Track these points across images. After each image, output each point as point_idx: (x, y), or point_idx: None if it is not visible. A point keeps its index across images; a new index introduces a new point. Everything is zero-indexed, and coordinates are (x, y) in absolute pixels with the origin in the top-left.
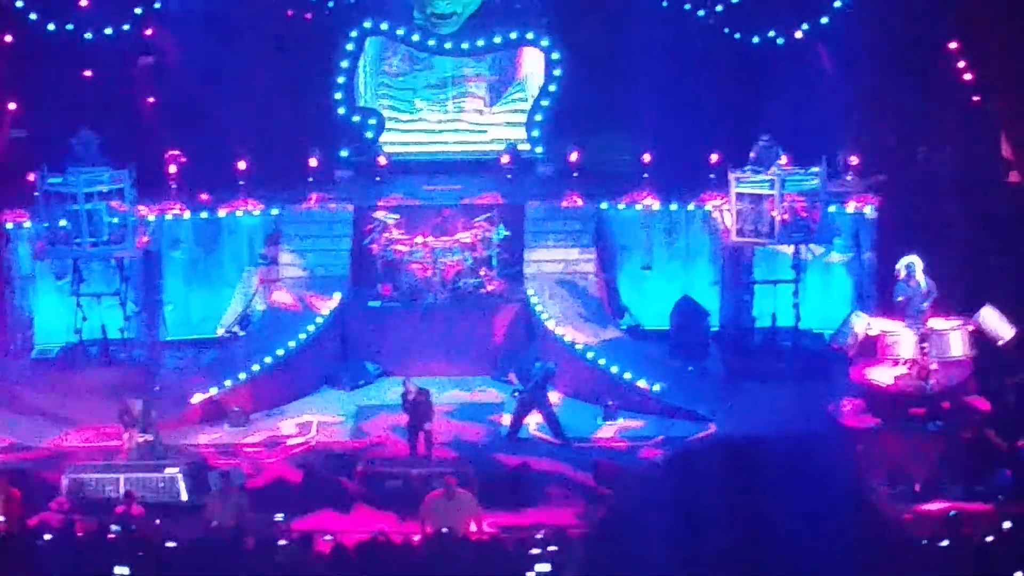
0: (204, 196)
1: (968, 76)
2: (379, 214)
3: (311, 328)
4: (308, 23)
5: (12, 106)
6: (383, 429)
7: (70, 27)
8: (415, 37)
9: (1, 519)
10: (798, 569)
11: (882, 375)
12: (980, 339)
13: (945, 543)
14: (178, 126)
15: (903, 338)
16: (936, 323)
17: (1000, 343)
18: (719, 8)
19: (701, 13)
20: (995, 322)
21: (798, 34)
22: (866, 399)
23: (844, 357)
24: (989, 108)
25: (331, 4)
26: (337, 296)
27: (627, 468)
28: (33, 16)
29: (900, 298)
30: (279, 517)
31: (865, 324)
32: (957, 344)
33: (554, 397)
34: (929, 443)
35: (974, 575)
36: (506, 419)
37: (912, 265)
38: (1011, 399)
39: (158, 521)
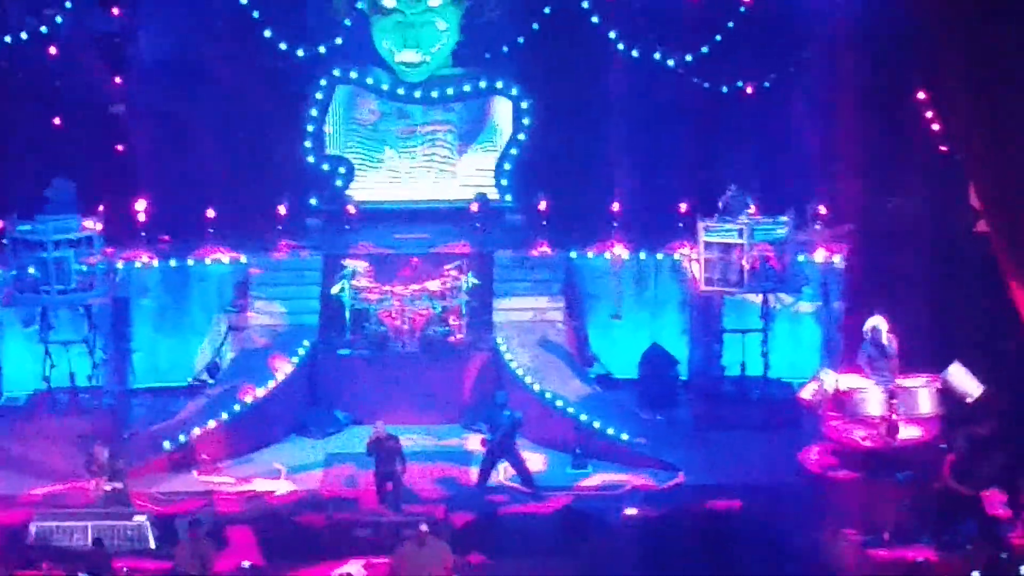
0: (168, 239)
1: (936, 126)
2: (348, 262)
3: (280, 376)
4: (279, 71)
5: None
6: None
7: (40, 75)
8: (384, 86)
9: None
10: None
11: (851, 432)
12: (948, 396)
13: None
14: (148, 174)
15: (872, 395)
16: (904, 380)
17: (968, 400)
18: (688, 58)
19: (671, 63)
20: (963, 379)
21: (766, 83)
22: (836, 454)
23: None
24: (957, 158)
25: (301, 52)
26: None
27: (596, 517)
28: (3, 63)
29: (865, 358)
30: (246, 564)
31: (834, 381)
32: (926, 401)
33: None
34: (898, 492)
35: None
36: (475, 469)
37: (878, 327)
38: (964, 448)
39: (126, 569)
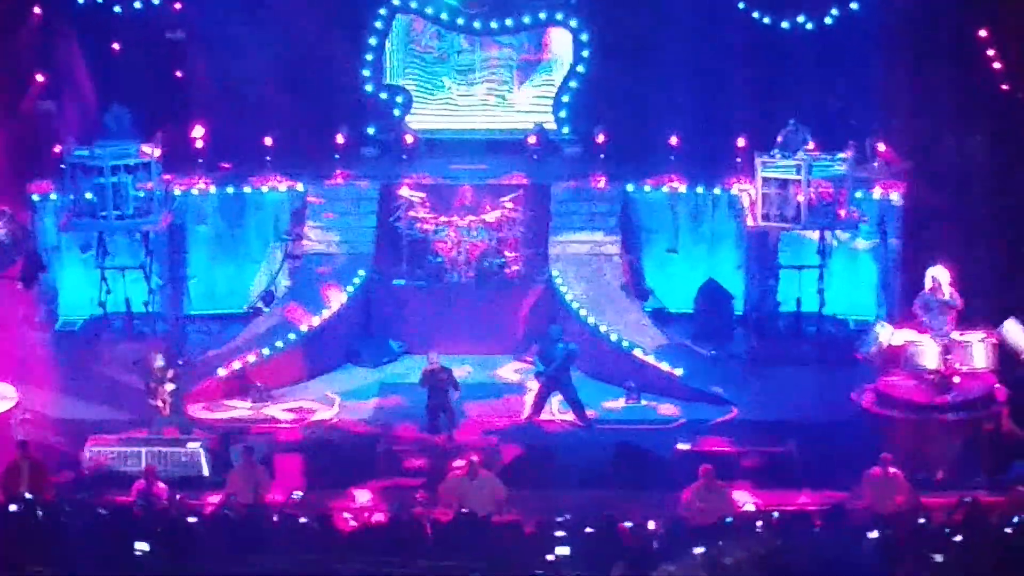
0: (227, 166)
1: (998, 64)
2: (404, 192)
3: (334, 306)
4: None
5: (40, 78)
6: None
7: (99, 0)
8: (444, 15)
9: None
10: None
11: (906, 386)
12: (1004, 351)
13: (962, 534)
14: (205, 100)
15: (927, 349)
16: (960, 335)
17: (1023, 358)
18: None
19: None
20: (1019, 336)
21: (827, 19)
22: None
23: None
24: (1019, 96)
25: None
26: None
27: (647, 452)
28: None
29: (924, 307)
30: (299, 494)
31: (889, 334)
32: (981, 356)
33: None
34: (951, 432)
35: (992, 565)
36: (528, 399)
37: (938, 277)
38: (1020, 390)
39: (179, 496)
